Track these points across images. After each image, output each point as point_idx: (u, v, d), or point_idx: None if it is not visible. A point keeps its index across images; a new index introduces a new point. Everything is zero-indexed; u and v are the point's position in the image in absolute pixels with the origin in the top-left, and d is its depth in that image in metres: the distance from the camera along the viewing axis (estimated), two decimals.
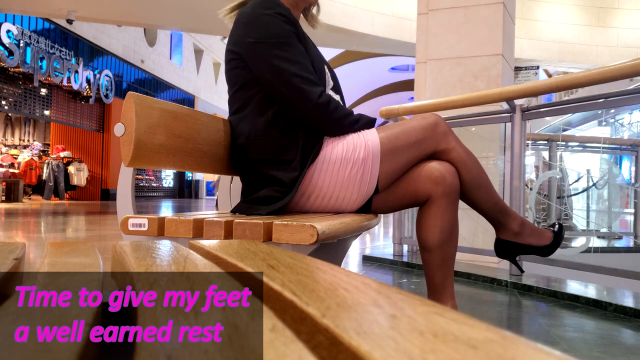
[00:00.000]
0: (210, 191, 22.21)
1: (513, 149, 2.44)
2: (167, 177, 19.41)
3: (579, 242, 3.83)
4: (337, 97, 1.47)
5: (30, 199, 12.57)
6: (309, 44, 1.42)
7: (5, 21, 10.59)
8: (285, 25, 1.32)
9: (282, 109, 1.34)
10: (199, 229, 1.01)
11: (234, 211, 1.38)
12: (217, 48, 21.12)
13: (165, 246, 0.67)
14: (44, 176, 12.65)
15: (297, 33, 1.36)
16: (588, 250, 2.55)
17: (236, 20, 1.38)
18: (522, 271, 2.32)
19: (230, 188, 1.82)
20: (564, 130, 5.26)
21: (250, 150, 1.34)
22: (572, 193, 4.74)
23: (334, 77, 1.52)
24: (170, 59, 18.35)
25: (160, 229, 1.04)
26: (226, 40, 1.56)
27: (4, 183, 10.59)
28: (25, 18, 11.36)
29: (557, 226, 1.42)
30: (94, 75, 13.49)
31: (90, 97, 13.43)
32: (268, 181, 1.33)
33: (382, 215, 1.56)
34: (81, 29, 13.14)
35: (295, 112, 1.32)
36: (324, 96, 1.31)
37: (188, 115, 1.28)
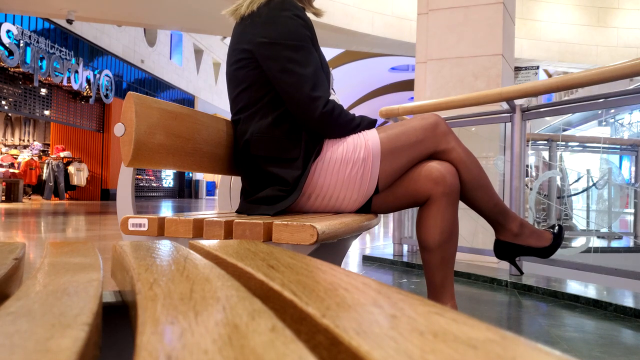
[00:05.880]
0: (211, 191, 22.19)
1: (513, 149, 2.44)
2: (167, 177, 19.39)
3: (579, 242, 3.83)
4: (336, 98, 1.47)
5: (30, 199, 12.57)
6: (319, 48, 1.43)
7: (5, 21, 10.59)
8: (303, 30, 1.32)
9: (289, 110, 1.34)
10: (199, 229, 1.01)
11: (239, 211, 1.38)
12: (217, 48, 21.09)
13: (165, 246, 0.67)
14: (44, 176, 12.64)
15: (312, 38, 1.36)
16: (588, 250, 2.55)
17: (251, 18, 1.35)
18: (522, 272, 2.32)
19: (231, 188, 1.82)
20: (564, 130, 5.26)
21: (254, 148, 1.34)
22: (572, 193, 4.74)
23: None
24: (170, 59, 18.34)
25: (160, 229, 1.04)
26: (226, 40, 1.55)
27: (4, 183, 10.59)
28: (25, 18, 11.36)
29: (556, 227, 1.42)
30: (94, 75, 13.48)
31: (90, 97, 13.42)
32: (271, 179, 1.33)
33: (382, 215, 1.55)
34: (81, 29, 13.14)
35: (300, 116, 1.32)
36: (330, 104, 1.31)
37: (188, 115, 1.28)
